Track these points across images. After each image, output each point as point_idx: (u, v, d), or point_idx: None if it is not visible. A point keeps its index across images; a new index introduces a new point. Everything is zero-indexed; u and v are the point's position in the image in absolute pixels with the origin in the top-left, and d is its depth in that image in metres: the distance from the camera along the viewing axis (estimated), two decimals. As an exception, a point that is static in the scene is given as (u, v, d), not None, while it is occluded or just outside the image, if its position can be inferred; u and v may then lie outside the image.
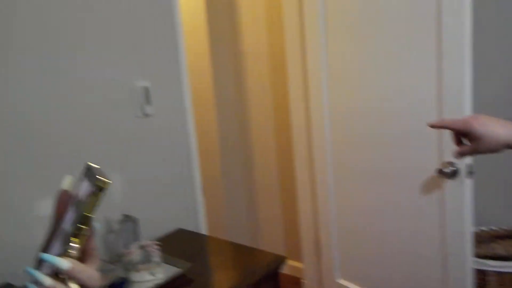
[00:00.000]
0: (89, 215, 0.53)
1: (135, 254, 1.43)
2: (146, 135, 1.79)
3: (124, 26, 1.67)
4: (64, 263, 0.53)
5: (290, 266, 2.99)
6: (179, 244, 1.75)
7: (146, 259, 1.44)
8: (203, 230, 2.05)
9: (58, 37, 1.47)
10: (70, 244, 0.54)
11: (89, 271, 0.55)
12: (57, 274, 0.53)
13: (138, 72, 1.73)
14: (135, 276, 1.42)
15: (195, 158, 2.00)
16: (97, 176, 0.53)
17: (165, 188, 1.88)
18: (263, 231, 3.15)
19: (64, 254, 0.54)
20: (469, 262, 1.82)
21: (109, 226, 1.66)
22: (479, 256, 2.03)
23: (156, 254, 1.45)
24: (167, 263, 1.53)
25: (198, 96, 2.92)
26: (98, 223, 0.56)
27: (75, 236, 0.53)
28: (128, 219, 1.59)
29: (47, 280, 0.52)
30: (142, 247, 1.45)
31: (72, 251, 0.54)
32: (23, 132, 1.40)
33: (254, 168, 3.06)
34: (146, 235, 1.71)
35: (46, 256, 0.53)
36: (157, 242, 1.50)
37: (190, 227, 1.96)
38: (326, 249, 2.44)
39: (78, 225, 0.53)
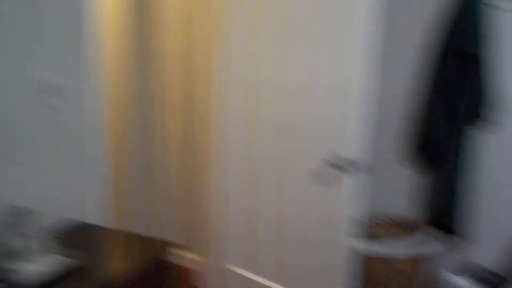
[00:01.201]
0: None
1: (16, 242, 1.42)
2: (52, 127, 1.81)
3: (36, 19, 1.68)
4: None
5: (190, 259, 3.06)
6: (72, 235, 1.75)
7: (29, 248, 1.43)
8: (101, 221, 2.05)
9: None
10: None
11: None
12: None
13: (48, 66, 1.75)
14: (15, 266, 1.41)
15: (99, 150, 2.04)
16: None
17: (65, 180, 1.89)
18: (162, 221, 3.18)
19: None
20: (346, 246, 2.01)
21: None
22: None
23: (40, 243, 1.45)
24: (53, 252, 1.53)
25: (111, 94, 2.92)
26: None
27: None
28: (16, 210, 1.57)
29: None
30: (25, 236, 1.44)
31: None
32: None
33: (156, 159, 3.11)
34: (41, 226, 1.70)
35: None
36: (41, 231, 1.50)
37: (89, 219, 1.97)
38: (217, 235, 2.55)
39: None
